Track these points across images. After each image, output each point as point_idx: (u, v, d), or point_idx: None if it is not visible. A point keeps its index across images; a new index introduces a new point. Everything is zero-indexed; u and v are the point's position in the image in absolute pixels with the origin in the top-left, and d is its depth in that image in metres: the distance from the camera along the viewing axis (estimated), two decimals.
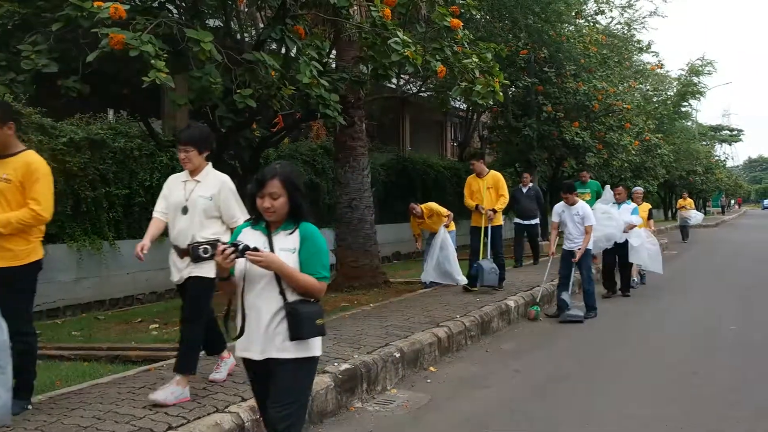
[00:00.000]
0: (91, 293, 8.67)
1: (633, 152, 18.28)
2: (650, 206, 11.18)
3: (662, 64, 25.78)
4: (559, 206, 8.52)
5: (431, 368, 5.87)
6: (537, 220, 12.63)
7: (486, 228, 8.73)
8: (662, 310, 8.97)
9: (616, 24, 20.05)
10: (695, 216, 22.80)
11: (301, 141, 13.70)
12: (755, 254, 17.73)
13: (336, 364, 4.99)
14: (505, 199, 8.85)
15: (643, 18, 23.53)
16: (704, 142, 44.26)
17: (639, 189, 11.40)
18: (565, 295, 8.13)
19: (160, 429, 3.60)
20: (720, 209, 58.78)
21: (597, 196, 12.34)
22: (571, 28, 15.47)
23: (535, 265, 12.05)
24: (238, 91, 5.58)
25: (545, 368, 5.90)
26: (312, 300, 2.98)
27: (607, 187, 10.91)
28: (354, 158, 9.66)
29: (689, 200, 23.76)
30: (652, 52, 23.79)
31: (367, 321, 6.79)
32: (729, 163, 63.04)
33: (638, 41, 21.99)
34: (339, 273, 9.96)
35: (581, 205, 8.44)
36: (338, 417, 4.64)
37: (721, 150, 57.31)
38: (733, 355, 6.33)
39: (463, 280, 9.04)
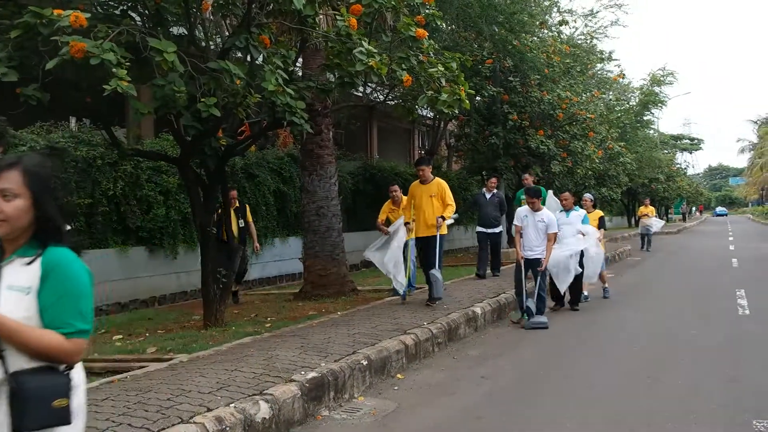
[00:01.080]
0: None
1: (597, 161, 18.62)
2: (602, 214, 10.39)
3: (624, 74, 26.37)
4: (524, 210, 8.38)
5: (399, 375, 5.89)
6: (500, 229, 11.99)
7: (428, 238, 8.40)
8: (625, 316, 9.13)
9: (579, 34, 20.48)
10: (656, 224, 22.11)
11: (267, 149, 13.66)
12: (716, 260, 18.18)
13: (303, 372, 4.98)
14: (451, 209, 8.51)
15: (605, 27, 24.10)
16: (666, 151, 45.30)
17: (588, 195, 10.56)
18: (530, 303, 8.04)
19: None
20: (681, 216, 59.03)
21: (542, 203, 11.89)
22: (535, 38, 15.74)
23: (496, 276, 11.57)
24: (203, 99, 5.55)
25: (511, 374, 5.96)
26: (58, 368, 1.95)
27: (550, 192, 10.32)
28: (321, 166, 9.67)
29: (651, 207, 22.70)
30: (614, 61, 24.38)
31: (334, 329, 6.78)
32: (690, 171, 64.65)
33: (600, 51, 22.47)
34: (306, 281, 9.95)
35: (546, 212, 8.32)
36: (305, 426, 4.62)
37: (682, 158, 58.80)
38: (693, 360, 6.48)
39: (400, 285, 8.48)
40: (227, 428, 3.97)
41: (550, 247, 8.12)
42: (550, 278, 8.97)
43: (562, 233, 8.77)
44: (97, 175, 9.01)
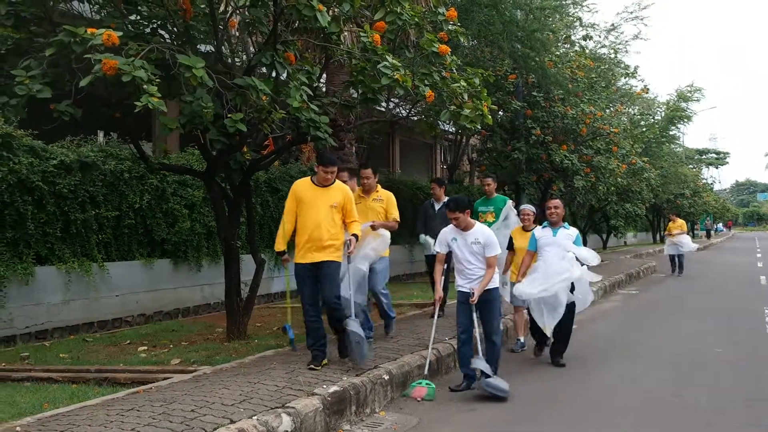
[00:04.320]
0: (80, 315, 8.63)
1: (620, 176, 18.49)
2: (576, 231, 7.19)
3: (648, 89, 26.20)
4: (448, 232, 6.15)
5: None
6: None
7: (321, 263, 5.75)
8: (648, 333, 9.02)
9: (601, 48, 20.40)
10: (687, 243, 18.01)
11: (291, 164, 13.78)
12: (743, 277, 17.89)
13: (325, 386, 5.01)
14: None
15: (626, 42, 24.01)
16: (691, 166, 44.80)
17: (528, 208, 7.82)
18: (478, 362, 5.80)
19: None
20: (705, 232, 56.72)
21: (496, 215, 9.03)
22: (558, 54, 15.75)
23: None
24: (229, 115, 5.66)
25: (533, 390, 5.93)
26: None
27: (509, 203, 8.63)
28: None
29: (680, 221, 18.56)
30: (638, 77, 24.23)
31: None
32: (716, 187, 63.71)
33: (625, 66, 22.37)
34: None
35: (481, 228, 6.09)
36: None
37: (708, 173, 57.91)
38: (718, 378, 6.39)
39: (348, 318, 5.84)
40: None
41: (489, 276, 5.92)
42: (531, 318, 7.07)
43: (545, 257, 6.82)
44: (124, 189, 9.16)
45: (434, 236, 8.01)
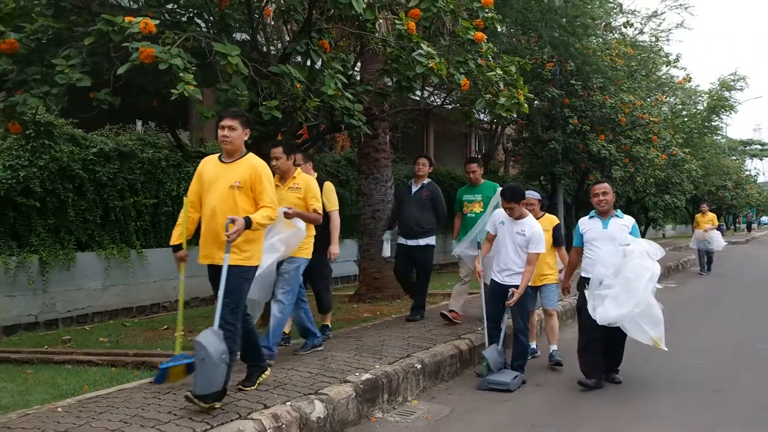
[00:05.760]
0: (119, 300, 8.82)
1: (659, 166, 18.09)
2: (557, 221, 6.69)
3: (690, 78, 25.56)
4: (499, 214, 5.92)
5: (452, 380, 5.86)
6: (430, 240, 7.45)
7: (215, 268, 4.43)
8: (689, 328, 8.84)
9: (640, 34, 19.94)
10: (717, 240, 15.86)
11: (325, 152, 13.82)
12: None
13: (357, 374, 5.02)
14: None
15: (669, 31, 23.43)
16: (734, 157, 43.61)
17: (532, 194, 6.56)
18: (491, 351, 5.72)
19: None
20: (746, 226, 53.99)
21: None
22: (600, 40, 15.43)
23: (414, 320, 7.39)
24: (264, 102, 5.68)
25: (566, 382, 5.85)
26: None
27: (499, 191, 6.28)
28: (378, 170, 9.74)
29: (711, 215, 16.20)
30: (680, 66, 23.64)
31: (388, 332, 6.81)
32: (760, 179, 61.89)
33: (666, 54, 21.85)
34: (362, 284, 10.02)
35: (532, 222, 5.79)
36: (359, 427, 4.66)
37: (751, 165, 56.27)
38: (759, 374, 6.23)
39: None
40: (283, 426, 4.04)
41: (528, 273, 5.67)
42: (587, 342, 5.73)
43: (596, 254, 5.70)
44: (162, 176, 9.31)
45: (409, 224, 7.31)
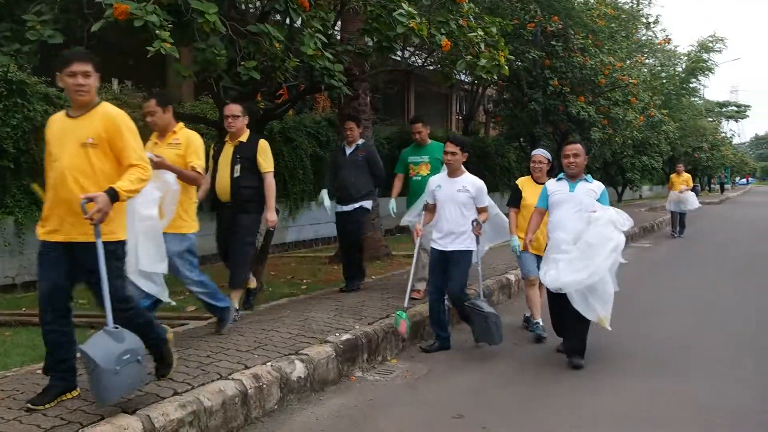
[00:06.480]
0: None
1: (637, 128, 18.20)
2: (602, 186, 5.50)
3: (669, 39, 25.59)
4: (435, 179, 5.74)
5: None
6: (366, 203, 7.00)
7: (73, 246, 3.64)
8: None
9: None
10: (692, 201, 15.53)
11: (305, 113, 13.70)
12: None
13: (338, 334, 5.09)
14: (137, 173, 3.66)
15: None
16: (711, 119, 44.00)
17: (541, 153, 6.31)
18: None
19: (166, 394, 3.70)
20: (720, 186, 53.20)
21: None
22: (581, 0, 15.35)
23: (350, 290, 7.01)
24: (243, 63, 5.60)
25: (546, 343, 5.96)
26: None
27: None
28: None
29: (686, 175, 15.98)
30: (660, 26, 23.63)
31: (368, 293, 6.88)
32: (735, 140, 62.60)
33: (646, 15, 21.82)
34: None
35: (471, 178, 5.54)
36: (339, 386, 4.74)
37: (727, 126, 56.71)
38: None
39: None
40: (264, 385, 4.10)
41: (485, 216, 5.61)
42: (552, 306, 5.42)
43: (558, 219, 5.30)
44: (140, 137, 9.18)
45: (345, 189, 6.88)
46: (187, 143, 4.85)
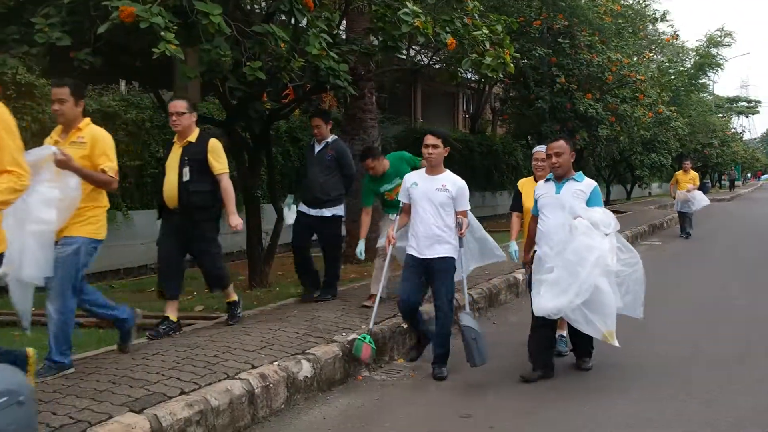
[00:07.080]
0: (106, 262, 8.81)
1: (645, 124, 18.10)
2: (593, 184, 4.95)
3: (678, 35, 25.44)
4: (410, 176, 5.12)
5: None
6: (337, 210, 6.42)
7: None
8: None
9: None
10: (700, 199, 14.74)
11: (311, 113, 13.71)
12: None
13: (344, 334, 5.10)
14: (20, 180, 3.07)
15: None
16: (720, 115, 43.69)
17: (542, 150, 5.47)
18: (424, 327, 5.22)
19: (173, 394, 3.71)
20: (730, 183, 51.65)
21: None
22: None
23: (324, 301, 6.45)
24: (248, 63, 5.61)
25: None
26: None
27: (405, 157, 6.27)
28: (364, 130, 9.68)
29: (693, 173, 15.10)
30: (668, 22, 23.51)
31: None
32: (746, 136, 62.12)
33: (654, 11, 21.70)
34: (348, 245, 10.04)
35: (452, 177, 4.98)
36: (346, 385, 4.75)
37: (738, 122, 56.27)
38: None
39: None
40: (271, 385, 4.11)
41: (466, 222, 4.98)
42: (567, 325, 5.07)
43: (546, 225, 4.83)
44: (146, 138, 9.22)
45: (312, 190, 6.32)
46: (93, 143, 4.28)
